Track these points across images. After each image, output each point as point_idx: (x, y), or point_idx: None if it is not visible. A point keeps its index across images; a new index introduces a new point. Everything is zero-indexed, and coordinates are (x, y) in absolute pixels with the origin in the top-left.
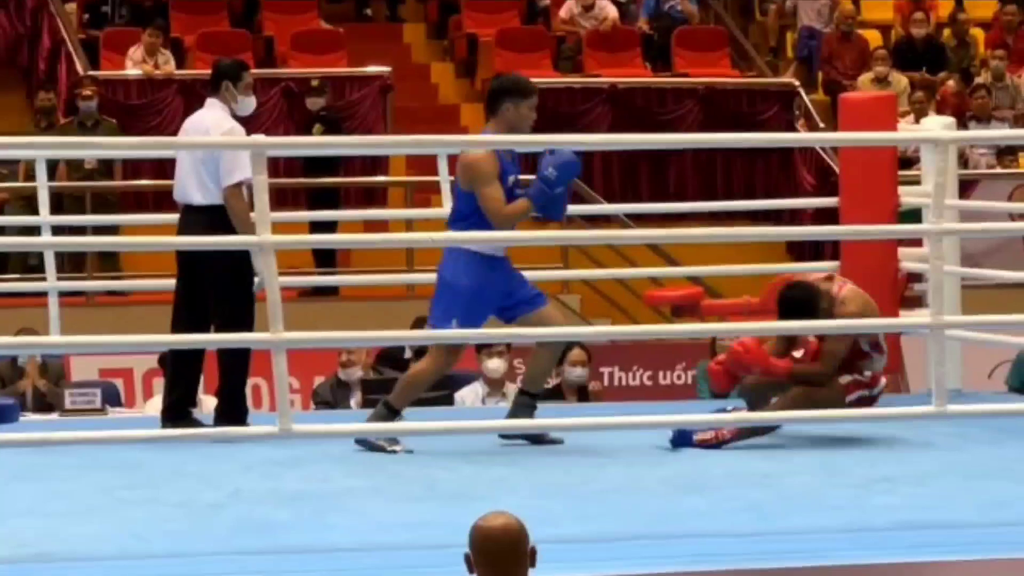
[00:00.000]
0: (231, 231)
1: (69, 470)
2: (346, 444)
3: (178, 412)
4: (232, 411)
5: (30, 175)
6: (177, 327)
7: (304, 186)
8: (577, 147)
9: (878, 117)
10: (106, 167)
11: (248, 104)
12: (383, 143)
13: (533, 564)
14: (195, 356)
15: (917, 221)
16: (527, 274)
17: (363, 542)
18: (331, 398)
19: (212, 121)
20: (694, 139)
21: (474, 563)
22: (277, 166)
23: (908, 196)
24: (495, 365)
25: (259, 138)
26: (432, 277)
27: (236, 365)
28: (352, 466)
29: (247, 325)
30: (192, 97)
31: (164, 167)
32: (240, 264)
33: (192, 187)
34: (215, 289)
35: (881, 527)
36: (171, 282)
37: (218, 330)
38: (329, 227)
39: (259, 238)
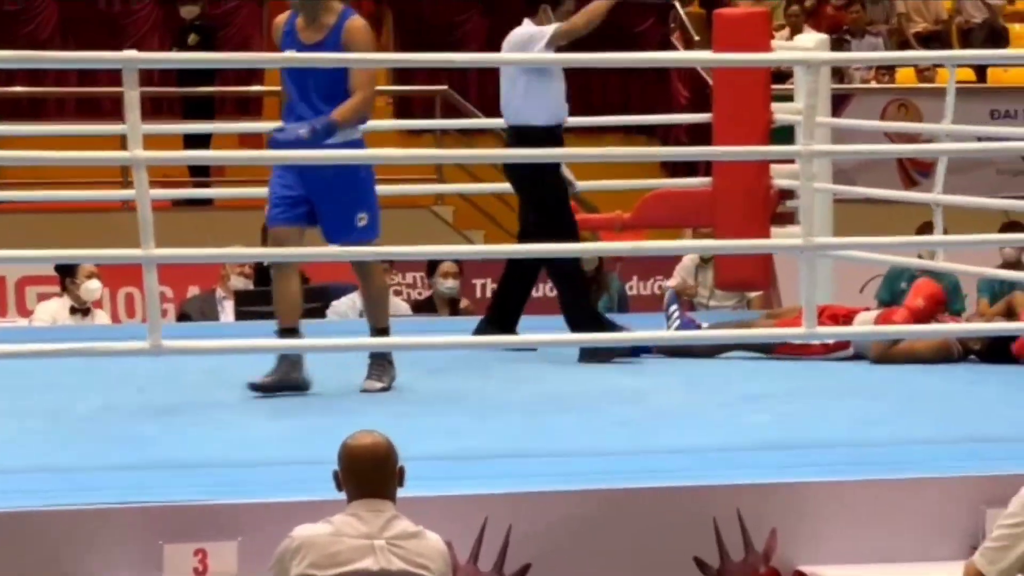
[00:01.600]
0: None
1: None
2: (218, 359)
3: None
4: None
5: None
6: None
7: (179, 95)
8: (450, 65)
9: (752, 34)
10: None
11: None
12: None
13: (401, 483)
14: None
15: (790, 138)
16: (402, 187)
17: (233, 457)
18: (198, 313)
19: (524, 32)
20: (567, 58)
21: (343, 481)
22: (151, 76)
23: (781, 113)
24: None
25: (130, 53)
26: None
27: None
28: (223, 380)
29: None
30: (65, 6)
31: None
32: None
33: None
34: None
35: (752, 445)
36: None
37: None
38: (204, 139)
39: (131, 154)
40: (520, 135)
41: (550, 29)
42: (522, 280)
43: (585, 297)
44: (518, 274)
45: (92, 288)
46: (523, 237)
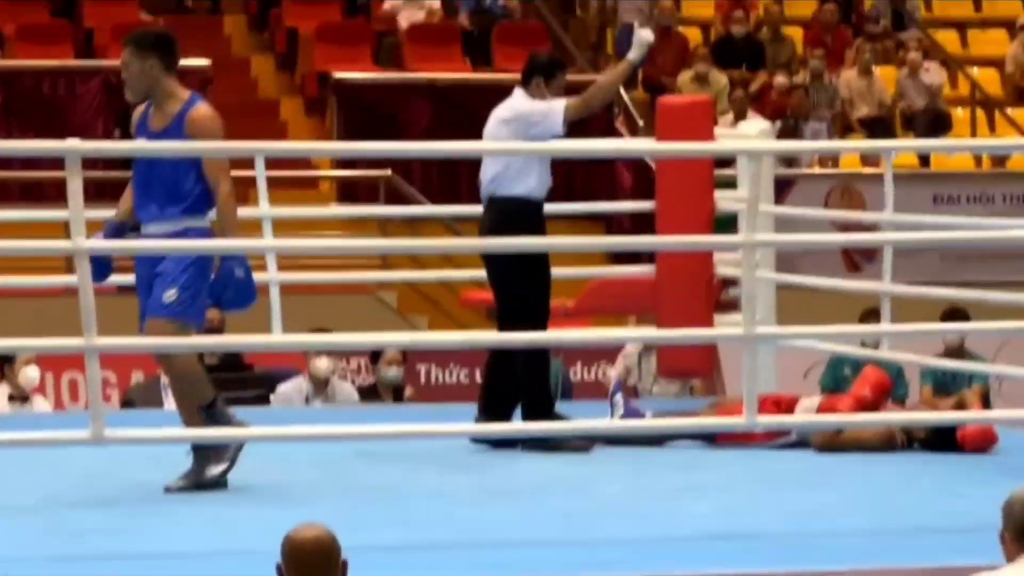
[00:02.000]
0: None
1: None
2: (160, 447)
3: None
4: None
5: None
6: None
7: (123, 180)
8: (399, 155)
9: (695, 122)
10: None
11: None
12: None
13: None
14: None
15: (734, 226)
16: (345, 275)
17: (175, 549)
18: (141, 399)
19: (522, 106)
20: (506, 147)
21: (285, 574)
22: (96, 160)
23: (724, 201)
24: (324, 364)
25: (73, 142)
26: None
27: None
28: (166, 469)
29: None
30: (11, 90)
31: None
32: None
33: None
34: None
35: (692, 536)
36: None
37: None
38: None
39: (73, 243)
40: (508, 208)
41: (560, 106)
42: (508, 362)
43: (546, 385)
44: (502, 358)
45: (31, 376)
46: (501, 314)
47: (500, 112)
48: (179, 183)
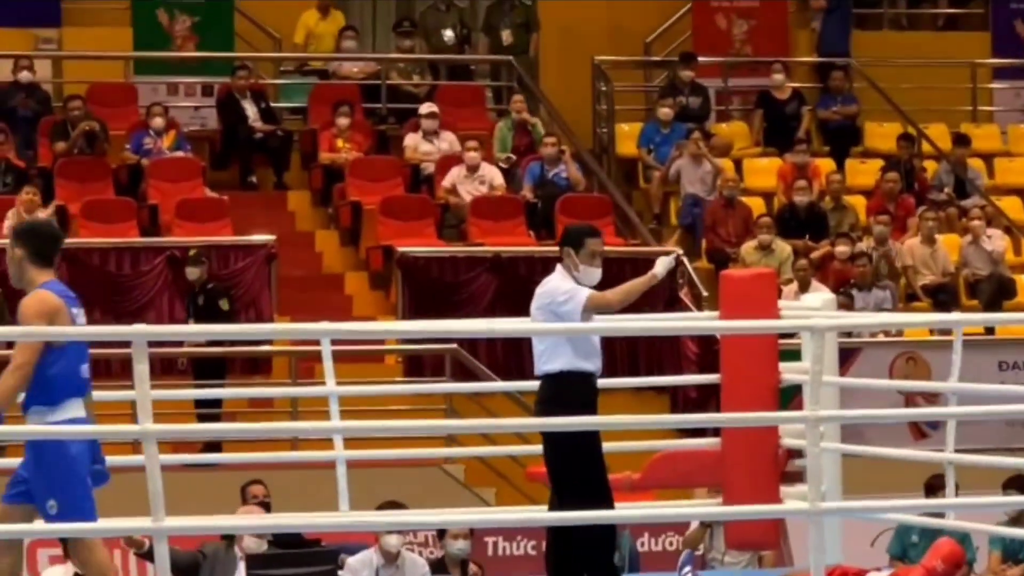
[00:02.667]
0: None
1: None
2: None
3: None
4: None
5: None
6: None
7: (191, 356)
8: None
9: (759, 295)
10: None
11: (591, 274)
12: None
13: None
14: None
15: (799, 395)
16: (412, 451)
17: None
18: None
19: (550, 286)
20: (574, 325)
21: None
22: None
23: (788, 373)
24: (395, 540)
25: (140, 327)
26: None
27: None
28: None
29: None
30: (76, 266)
31: None
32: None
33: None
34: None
35: None
36: None
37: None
38: (215, 401)
39: (141, 428)
40: (553, 384)
41: (583, 295)
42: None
43: (610, 559)
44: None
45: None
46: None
47: (537, 289)
48: None
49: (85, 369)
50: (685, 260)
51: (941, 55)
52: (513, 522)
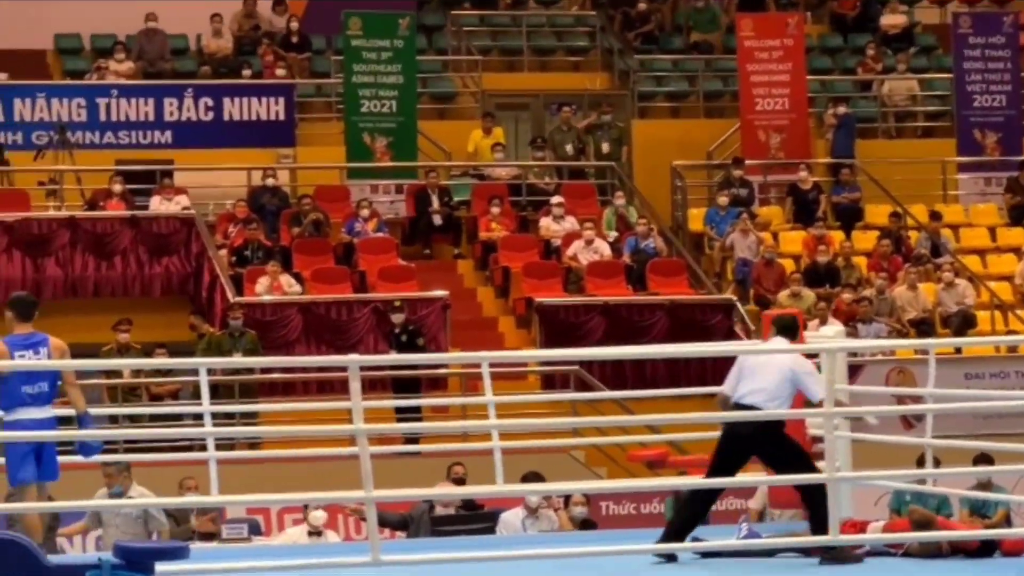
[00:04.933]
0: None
1: None
2: (427, 567)
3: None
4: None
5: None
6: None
7: (392, 377)
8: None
9: None
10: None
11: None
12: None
13: None
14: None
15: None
16: (547, 441)
17: None
18: (415, 527)
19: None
20: (662, 350)
21: None
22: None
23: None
24: (535, 498)
25: (353, 356)
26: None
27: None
28: None
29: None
30: (308, 315)
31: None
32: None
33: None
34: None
35: None
36: None
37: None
38: (415, 409)
39: (354, 427)
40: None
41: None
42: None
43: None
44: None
45: (318, 516)
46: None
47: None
48: None
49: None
50: (739, 304)
51: (920, 155)
52: (618, 488)
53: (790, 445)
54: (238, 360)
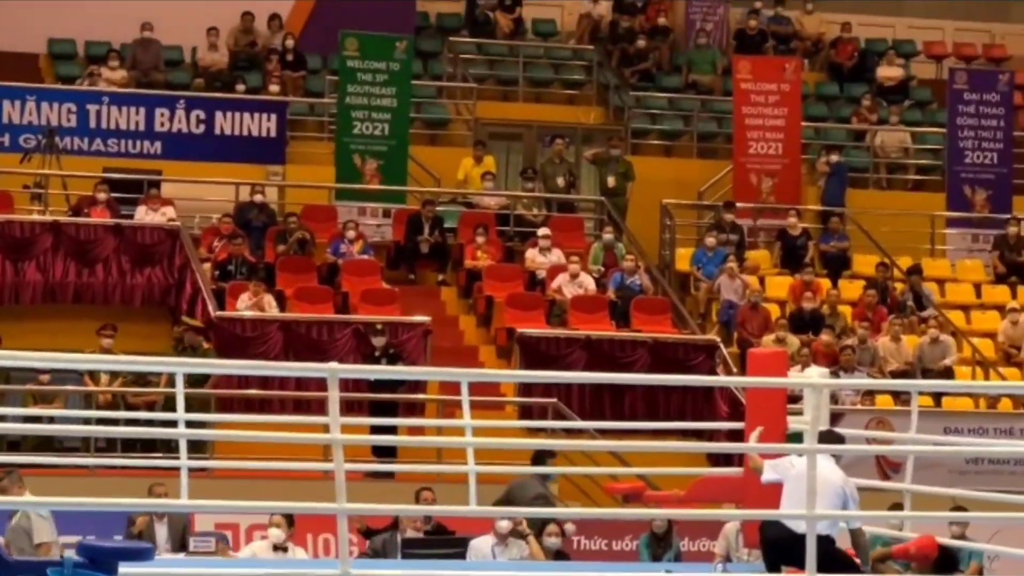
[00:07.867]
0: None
1: None
2: None
3: None
4: None
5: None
6: None
7: (368, 400)
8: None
9: (775, 367)
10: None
11: None
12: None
13: None
14: None
15: (800, 441)
16: (520, 468)
17: None
18: (381, 549)
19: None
20: (644, 378)
21: None
22: (347, 385)
23: (794, 423)
24: (505, 524)
25: (333, 364)
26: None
27: None
28: None
29: None
30: (289, 333)
31: None
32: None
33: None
34: None
35: None
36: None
37: None
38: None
39: (330, 436)
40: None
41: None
42: None
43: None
44: None
45: (275, 533)
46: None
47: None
48: None
49: None
50: (722, 346)
51: (910, 208)
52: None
53: (842, 556)
54: (217, 362)
